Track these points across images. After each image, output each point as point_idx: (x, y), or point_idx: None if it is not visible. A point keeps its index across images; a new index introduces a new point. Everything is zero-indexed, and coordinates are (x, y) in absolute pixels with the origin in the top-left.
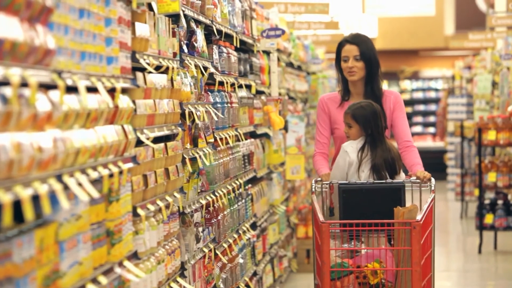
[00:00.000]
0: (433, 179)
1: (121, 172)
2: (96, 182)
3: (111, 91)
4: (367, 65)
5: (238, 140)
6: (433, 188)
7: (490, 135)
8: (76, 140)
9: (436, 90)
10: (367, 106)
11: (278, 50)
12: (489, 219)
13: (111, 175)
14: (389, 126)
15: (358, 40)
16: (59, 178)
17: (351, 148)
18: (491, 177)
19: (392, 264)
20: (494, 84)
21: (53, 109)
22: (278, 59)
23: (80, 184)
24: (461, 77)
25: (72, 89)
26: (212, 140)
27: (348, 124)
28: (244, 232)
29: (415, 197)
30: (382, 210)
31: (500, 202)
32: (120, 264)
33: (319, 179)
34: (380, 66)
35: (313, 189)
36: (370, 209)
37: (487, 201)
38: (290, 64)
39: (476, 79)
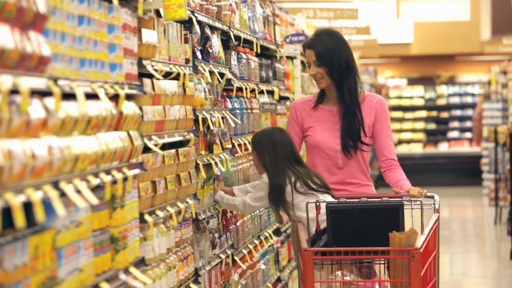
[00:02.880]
0: (437, 196)
1: (126, 179)
2: (99, 189)
3: (117, 98)
4: (330, 69)
5: None
6: (437, 207)
7: None
8: (75, 147)
9: (473, 95)
10: (263, 134)
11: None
12: None
13: (114, 182)
14: (369, 135)
15: (314, 42)
16: (55, 185)
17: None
18: None
19: None
20: None
21: (48, 116)
22: (304, 65)
23: (79, 191)
24: (497, 82)
25: (74, 96)
26: (230, 146)
27: None
28: (266, 238)
29: (412, 216)
30: (377, 234)
31: None
32: (126, 271)
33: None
34: (352, 66)
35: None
36: (364, 233)
37: None
38: None
39: (510, 84)
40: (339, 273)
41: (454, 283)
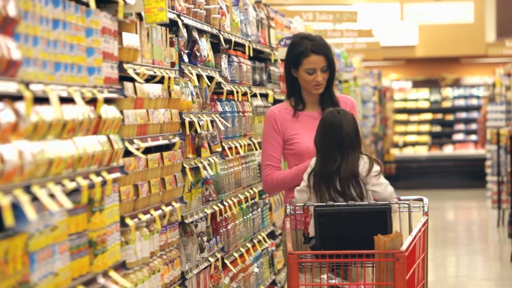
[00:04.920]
0: (425, 199)
1: (105, 182)
2: (77, 193)
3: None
4: (331, 74)
5: (252, 150)
6: (426, 210)
7: None
8: (49, 151)
9: (478, 97)
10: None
11: None
12: None
13: (92, 186)
14: None
15: (324, 48)
16: (27, 189)
17: None
18: None
19: None
20: None
21: (19, 120)
22: None
23: (53, 195)
24: (501, 84)
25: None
26: (220, 149)
27: None
28: (259, 241)
29: (401, 219)
30: (366, 237)
31: None
32: (105, 275)
33: (293, 200)
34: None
35: (287, 212)
36: (352, 236)
37: None
38: None
39: None
40: (324, 276)
41: (458, 285)
